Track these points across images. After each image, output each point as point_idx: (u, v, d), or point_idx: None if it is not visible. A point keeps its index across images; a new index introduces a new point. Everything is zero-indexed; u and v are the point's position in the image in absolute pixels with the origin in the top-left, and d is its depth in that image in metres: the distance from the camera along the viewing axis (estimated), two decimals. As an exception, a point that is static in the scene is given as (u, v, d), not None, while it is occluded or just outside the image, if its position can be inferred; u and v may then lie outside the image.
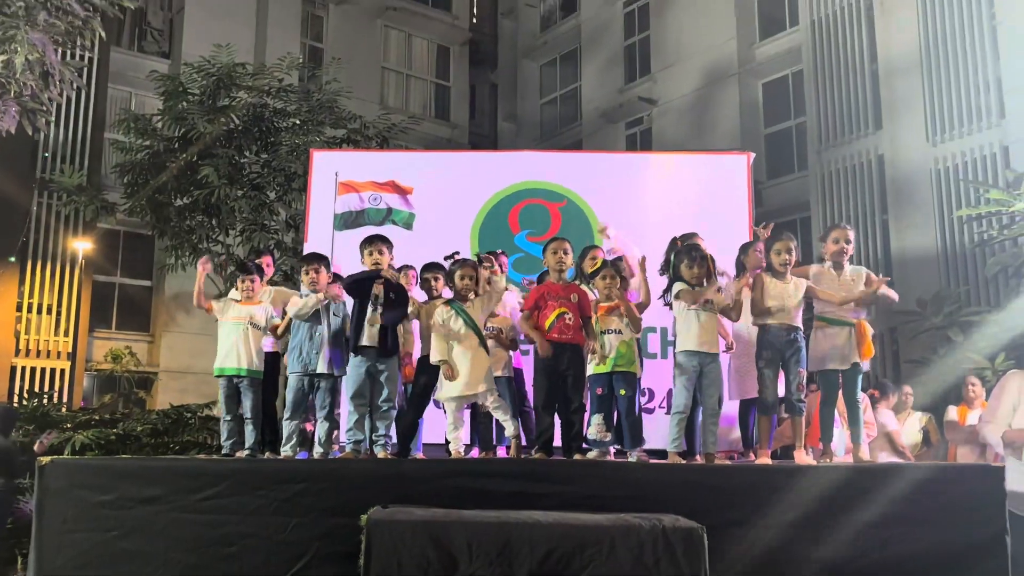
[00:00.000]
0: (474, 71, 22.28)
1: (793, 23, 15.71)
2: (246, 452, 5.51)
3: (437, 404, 5.44)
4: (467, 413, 5.57)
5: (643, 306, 5.34)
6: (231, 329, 5.56)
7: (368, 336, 5.15)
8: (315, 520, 4.34)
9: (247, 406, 5.52)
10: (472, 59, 22.11)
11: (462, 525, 3.89)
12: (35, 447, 7.32)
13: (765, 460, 4.97)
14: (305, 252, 6.90)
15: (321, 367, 5.30)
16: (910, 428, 7.89)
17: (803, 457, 4.96)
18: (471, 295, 5.24)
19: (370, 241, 5.37)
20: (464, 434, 5.41)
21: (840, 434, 5.68)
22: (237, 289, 5.71)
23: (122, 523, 4.42)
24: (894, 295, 5.36)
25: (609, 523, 3.87)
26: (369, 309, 5.17)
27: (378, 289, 5.21)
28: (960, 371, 8.35)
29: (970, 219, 10.95)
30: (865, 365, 5.12)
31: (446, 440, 5.37)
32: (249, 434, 5.52)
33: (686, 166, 7.76)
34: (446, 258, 5.50)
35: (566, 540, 3.81)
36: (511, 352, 5.69)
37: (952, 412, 7.39)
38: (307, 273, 5.44)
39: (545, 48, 21.54)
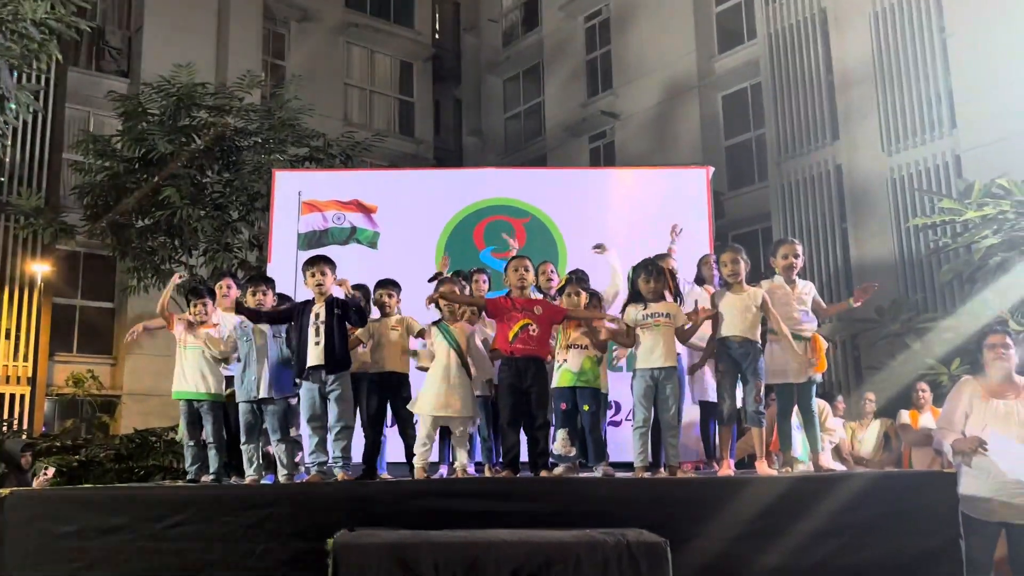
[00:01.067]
0: (438, 87, 22.36)
1: (751, 36, 16.00)
2: (211, 477, 5.47)
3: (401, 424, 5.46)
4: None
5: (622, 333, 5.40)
6: (190, 352, 5.52)
7: (314, 356, 5.04)
8: (282, 545, 4.31)
9: (208, 431, 5.45)
10: (435, 75, 22.19)
11: (429, 546, 3.90)
12: (34, 483, 7.23)
13: (727, 471, 5.04)
14: (268, 273, 6.89)
15: (262, 391, 5.22)
16: (871, 434, 8.07)
17: (765, 468, 5.04)
18: (454, 315, 5.30)
19: (312, 263, 5.23)
20: (432, 452, 5.41)
21: (804, 442, 5.78)
22: (190, 314, 5.64)
23: (86, 554, 4.36)
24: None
25: (574, 539, 3.91)
26: (311, 331, 5.06)
27: (319, 308, 5.11)
28: (917, 376, 8.55)
29: (925, 227, 11.21)
30: (818, 377, 5.22)
31: (407, 457, 5.39)
32: (212, 459, 5.48)
33: (647, 181, 7.90)
34: (429, 280, 5.49)
35: (532, 558, 3.83)
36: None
37: (904, 416, 7.60)
38: (254, 295, 5.39)
39: (508, 63, 21.69)
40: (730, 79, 16.66)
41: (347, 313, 5.12)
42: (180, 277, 5.87)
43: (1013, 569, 4.51)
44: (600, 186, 7.90)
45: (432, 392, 5.15)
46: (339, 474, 5.07)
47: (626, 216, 7.30)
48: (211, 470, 5.48)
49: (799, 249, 5.26)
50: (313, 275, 5.17)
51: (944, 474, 4.47)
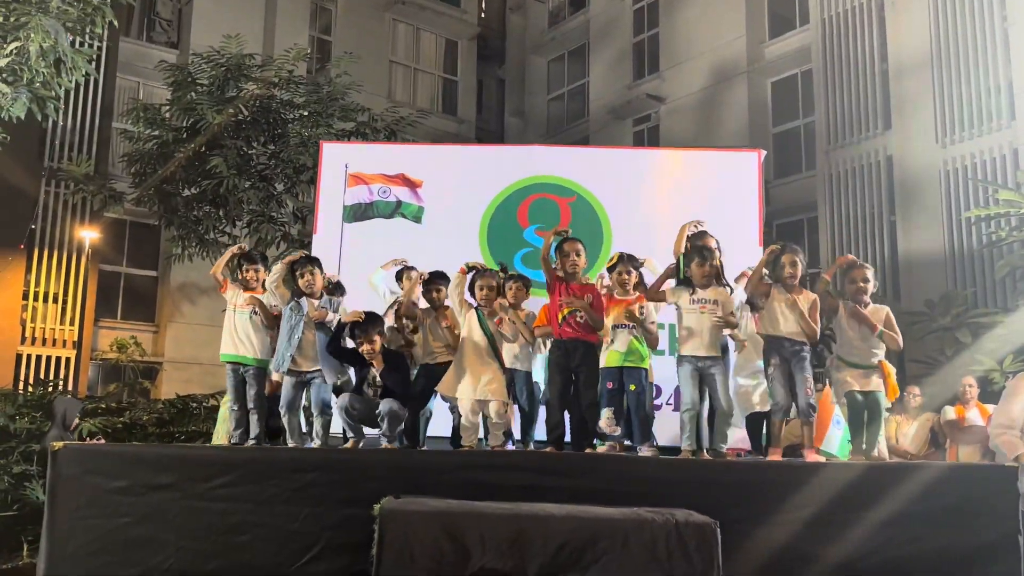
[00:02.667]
0: (482, 66, 22.24)
1: (803, 22, 15.68)
2: (251, 442, 5.49)
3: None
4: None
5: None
6: (239, 316, 5.53)
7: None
8: (327, 510, 4.34)
9: (250, 395, 5.46)
10: (480, 54, 22.06)
11: (475, 516, 3.89)
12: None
13: (776, 457, 4.96)
14: (314, 244, 6.91)
15: (307, 366, 5.29)
16: (917, 429, 7.90)
17: (814, 455, 4.95)
18: (492, 305, 5.28)
19: (363, 330, 5.17)
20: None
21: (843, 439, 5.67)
22: (241, 279, 5.65)
23: (134, 510, 4.43)
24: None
25: (622, 517, 3.87)
26: (368, 391, 5.18)
27: (375, 371, 5.20)
28: (967, 372, 8.34)
29: (979, 220, 10.93)
30: (888, 404, 5.10)
31: (453, 435, 5.41)
32: (254, 424, 5.49)
33: (696, 163, 7.73)
34: (469, 268, 5.48)
35: (579, 533, 3.81)
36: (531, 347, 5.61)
37: (951, 412, 7.42)
38: (302, 276, 5.38)
39: (553, 44, 21.51)
40: (780, 65, 16.36)
41: (399, 372, 5.22)
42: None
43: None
44: (648, 167, 7.76)
45: (468, 377, 5.15)
46: (384, 443, 5.11)
47: (673, 198, 7.17)
48: (252, 435, 5.51)
49: (869, 273, 5.11)
50: (361, 344, 5.19)
51: (1005, 468, 4.35)
